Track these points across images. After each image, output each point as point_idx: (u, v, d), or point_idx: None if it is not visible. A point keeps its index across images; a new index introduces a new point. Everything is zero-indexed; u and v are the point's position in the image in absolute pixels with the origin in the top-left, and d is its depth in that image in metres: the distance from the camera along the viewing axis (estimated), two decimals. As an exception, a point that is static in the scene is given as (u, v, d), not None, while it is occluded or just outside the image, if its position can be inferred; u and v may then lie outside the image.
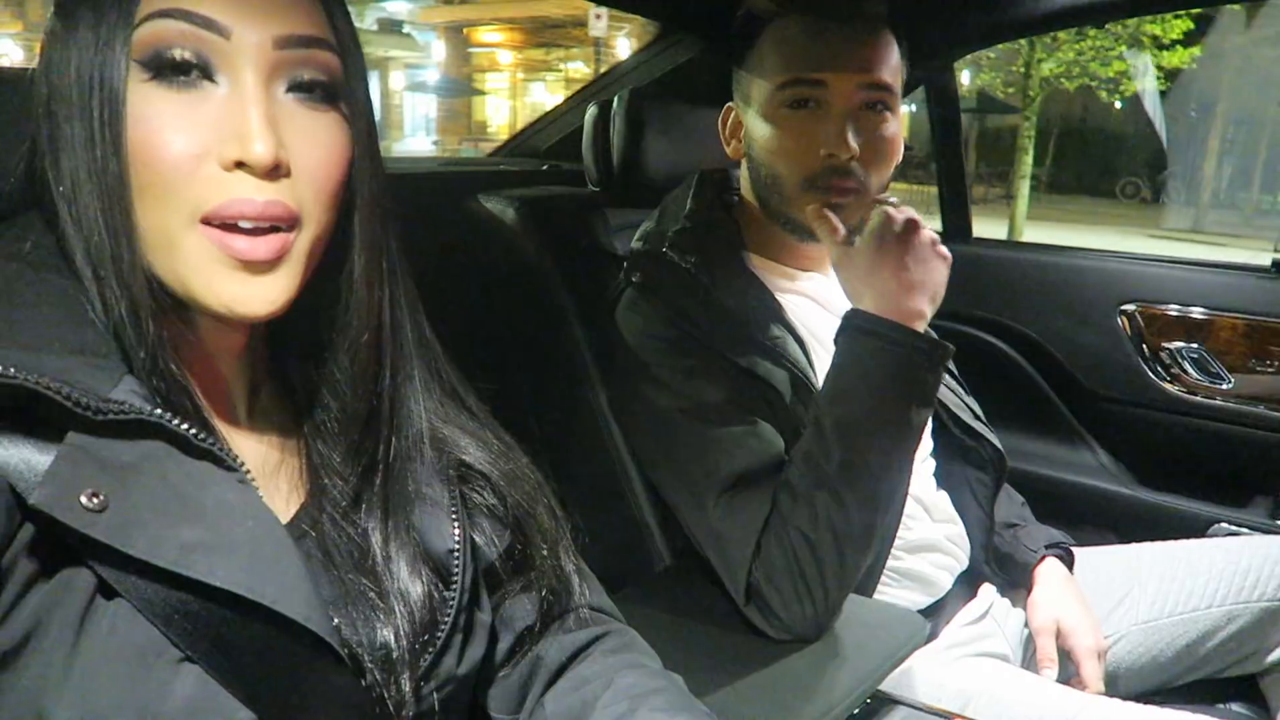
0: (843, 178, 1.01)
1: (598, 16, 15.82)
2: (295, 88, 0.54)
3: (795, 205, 1.05)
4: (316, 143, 0.55)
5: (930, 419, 1.18)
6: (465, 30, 21.52)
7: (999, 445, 1.23)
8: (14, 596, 0.46)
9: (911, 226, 0.97)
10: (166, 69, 0.51)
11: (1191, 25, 11.25)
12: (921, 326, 0.95)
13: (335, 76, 0.56)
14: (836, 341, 0.96)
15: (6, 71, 0.60)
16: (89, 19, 0.51)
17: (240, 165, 0.51)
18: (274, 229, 0.53)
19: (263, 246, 0.53)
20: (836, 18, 1.01)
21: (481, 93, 23.25)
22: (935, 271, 0.97)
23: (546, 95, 22.50)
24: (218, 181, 0.51)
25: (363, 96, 0.58)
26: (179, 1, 0.51)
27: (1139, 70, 11.54)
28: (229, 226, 0.52)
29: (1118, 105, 15.70)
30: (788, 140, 1.03)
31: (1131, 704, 1.04)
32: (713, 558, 0.98)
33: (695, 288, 1.05)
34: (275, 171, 0.52)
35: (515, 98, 23.65)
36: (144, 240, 0.52)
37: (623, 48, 19.30)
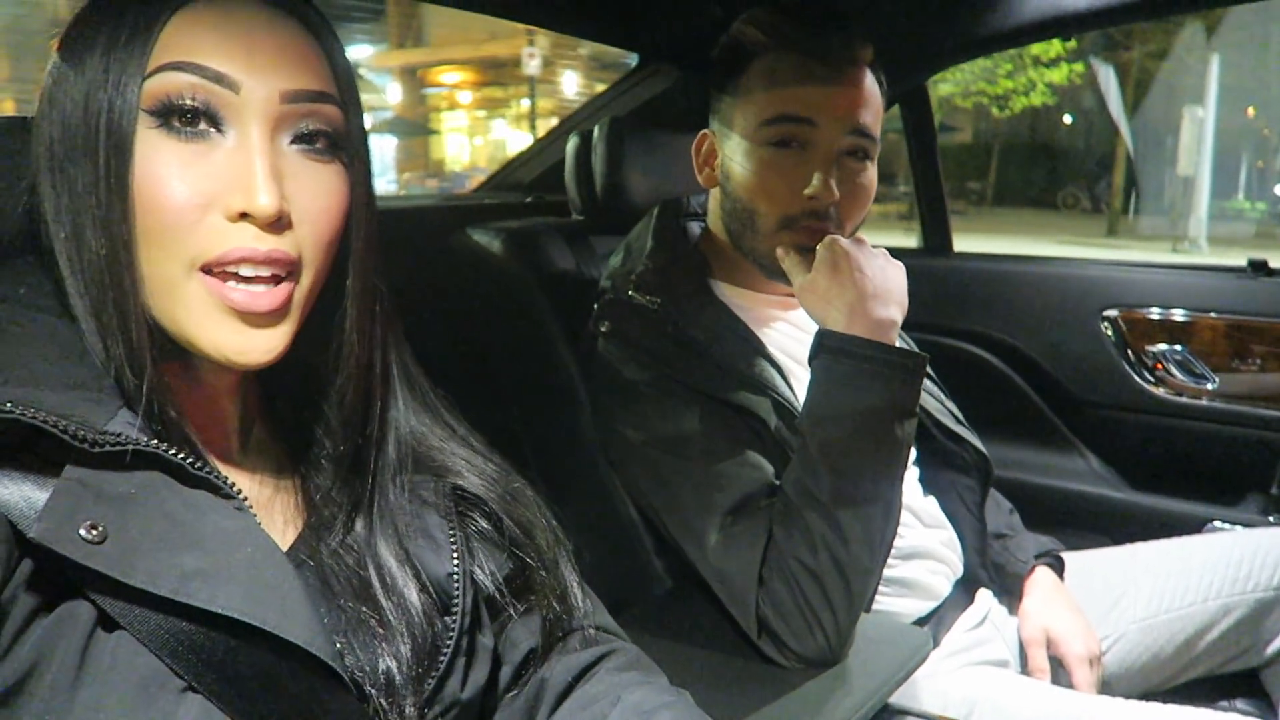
0: (820, 220, 1.01)
1: (531, 56, 16.24)
2: (299, 139, 0.56)
3: (768, 242, 1.04)
4: (317, 193, 0.56)
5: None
6: (419, 73, 21.95)
7: (982, 448, 1.24)
8: (14, 632, 0.47)
9: (858, 242, 0.98)
10: (175, 119, 0.52)
11: (1074, 44, 11.83)
12: (893, 335, 0.95)
13: (338, 128, 0.57)
14: (811, 364, 0.96)
15: (2, 120, 0.62)
16: (99, 66, 0.52)
17: (244, 216, 0.53)
18: (275, 279, 0.54)
19: (265, 300, 0.54)
20: (826, 58, 1.01)
21: (436, 132, 23.67)
22: (893, 278, 0.98)
23: (506, 132, 22.96)
24: (220, 231, 0.53)
25: (361, 147, 0.60)
26: (191, 55, 0.53)
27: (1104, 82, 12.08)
28: (228, 275, 0.53)
29: (1067, 120, 16.31)
30: (770, 178, 1.02)
31: (1134, 702, 1.05)
32: (720, 593, 0.97)
33: (664, 327, 1.04)
34: (278, 223, 0.53)
35: (472, 136, 24.12)
36: (145, 285, 0.53)
37: (569, 83, 19.63)
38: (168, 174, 0.52)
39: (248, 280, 0.53)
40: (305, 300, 0.57)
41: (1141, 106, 14.29)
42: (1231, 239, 12.05)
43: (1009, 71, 12.90)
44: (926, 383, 1.26)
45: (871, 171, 1.05)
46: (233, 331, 0.54)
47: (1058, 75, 12.89)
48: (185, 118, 0.52)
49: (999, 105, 13.72)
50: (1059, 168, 16.81)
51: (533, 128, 18.44)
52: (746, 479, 0.98)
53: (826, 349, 0.94)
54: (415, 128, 22.78)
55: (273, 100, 0.54)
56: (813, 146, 1.01)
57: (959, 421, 1.26)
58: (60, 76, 0.54)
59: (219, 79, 0.53)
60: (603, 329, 1.09)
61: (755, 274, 1.13)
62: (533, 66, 16.48)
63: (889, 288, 0.97)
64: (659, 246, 1.13)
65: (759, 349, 1.06)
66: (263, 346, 0.55)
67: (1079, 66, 13.11)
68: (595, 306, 1.13)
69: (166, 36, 0.53)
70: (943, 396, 1.28)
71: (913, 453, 1.20)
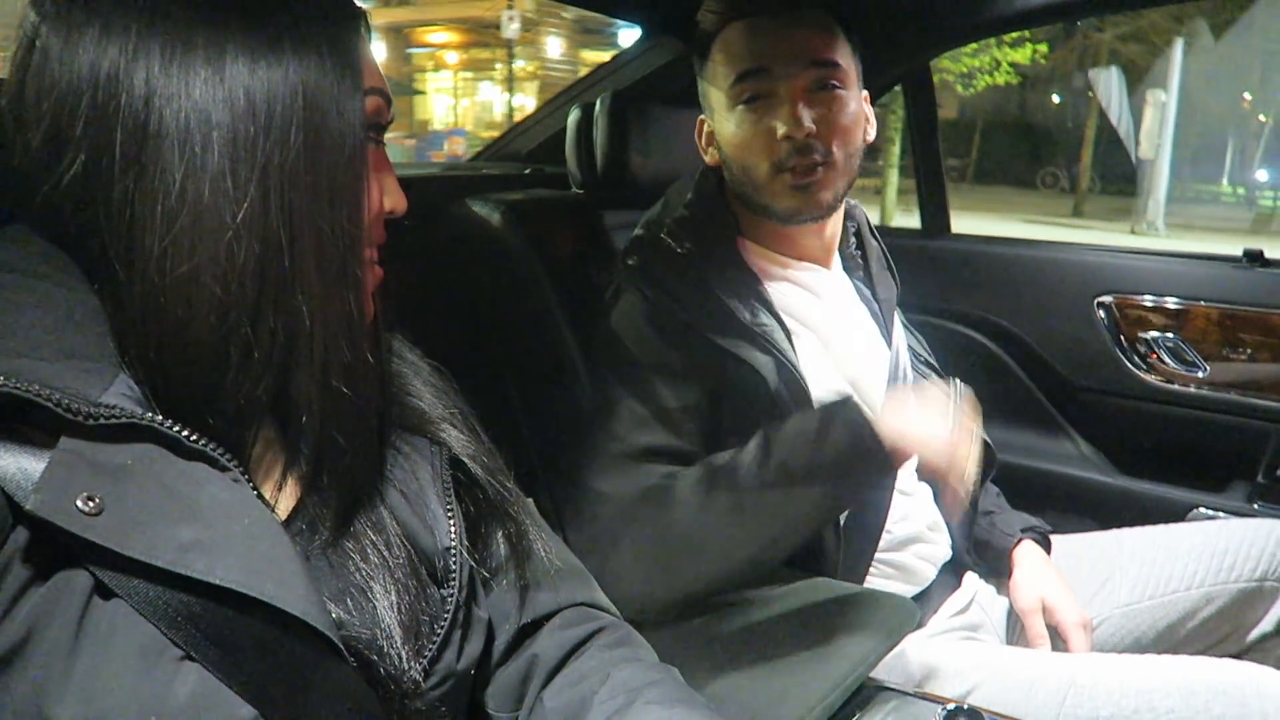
0: (804, 155, 1.06)
1: (510, 19, 16.20)
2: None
3: (769, 191, 1.10)
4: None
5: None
6: (405, 31, 21.72)
7: (986, 439, 1.24)
8: (9, 601, 0.47)
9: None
10: (377, 131, 0.62)
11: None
12: (898, 461, 0.95)
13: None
14: (826, 409, 0.98)
15: None
16: (323, 68, 0.55)
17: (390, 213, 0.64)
18: None
19: None
20: (765, 8, 1.07)
21: (421, 92, 23.50)
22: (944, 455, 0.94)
23: (493, 94, 22.81)
24: (378, 225, 0.63)
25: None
26: (379, 83, 0.61)
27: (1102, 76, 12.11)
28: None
29: (1055, 99, 16.29)
30: (749, 134, 1.09)
31: (1125, 655, 1.07)
32: (583, 512, 1.02)
33: (687, 272, 1.09)
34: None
35: (458, 97, 23.98)
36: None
37: (553, 47, 19.50)
38: (368, 179, 0.59)
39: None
40: None
41: (1074, 89, 14.34)
42: (1190, 223, 12.20)
43: (974, 50, 12.91)
44: (930, 374, 1.28)
45: (846, 98, 1.09)
46: None
47: (1021, 55, 12.95)
48: (383, 129, 0.63)
49: (963, 83, 13.74)
50: (1040, 147, 16.84)
51: (510, 91, 18.51)
52: (682, 433, 1.04)
53: (847, 406, 0.96)
54: (398, 87, 22.61)
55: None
56: (777, 92, 1.07)
57: None
58: (247, 58, 0.53)
59: (389, 101, 0.63)
60: (629, 263, 1.13)
61: (779, 236, 1.16)
62: (511, 30, 16.51)
63: (934, 452, 0.94)
64: (698, 198, 1.17)
65: (772, 310, 1.10)
66: None
67: (1043, 47, 13.22)
68: (624, 247, 1.17)
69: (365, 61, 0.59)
70: None
71: None
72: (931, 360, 1.31)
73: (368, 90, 0.58)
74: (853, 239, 1.26)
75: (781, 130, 1.05)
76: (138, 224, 0.52)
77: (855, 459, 0.95)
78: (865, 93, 1.17)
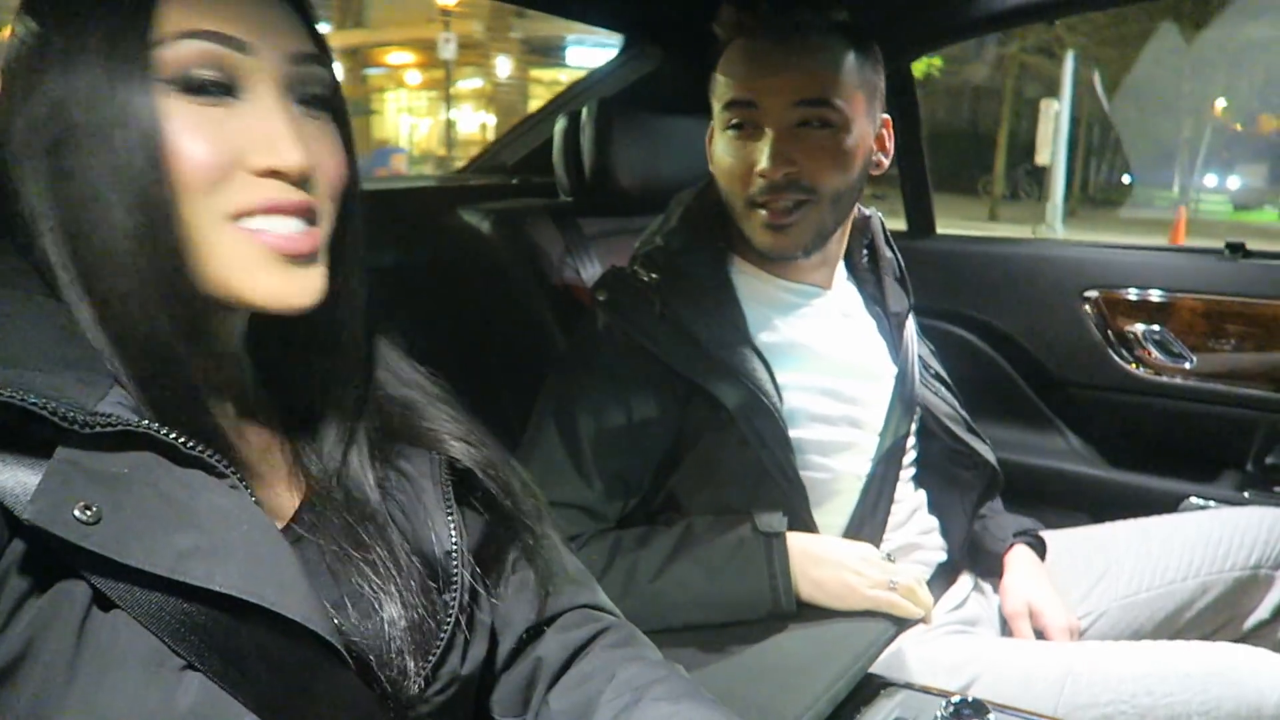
0: (778, 194, 1.04)
1: (446, 40, 16.63)
2: (302, 100, 0.57)
3: (745, 223, 1.08)
4: (327, 150, 0.58)
5: (919, 429, 1.22)
6: (363, 52, 21.95)
7: (993, 461, 1.25)
8: (7, 613, 0.46)
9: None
10: (194, 87, 0.53)
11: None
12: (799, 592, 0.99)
13: (330, 88, 0.59)
14: (755, 534, 0.99)
15: None
16: (97, 35, 0.52)
17: (274, 173, 0.54)
18: (307, 224, 0.56)
19: (305, 242, 0.56)
20: (765, 36, 1.03)
21: (375, 111, 23.75)
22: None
23: (454, 113, 23.22)
24: (250, 185, 0.54)
25: (343, 105, 0.61)
26: (205, 23, 0.53)
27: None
28: (259, 230, 0.55)
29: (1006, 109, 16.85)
30: (729, 162, 1.07)
31: (1121, 642, 1.07)
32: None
33: (653, 304, 1.05)
34: (305, 177, 0.55)
35: (418, 116, 24.28)
36: (181, 249, 0.54)
37: (502, 67, 19.90)
38: (193, 138, 0.52)
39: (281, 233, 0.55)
40: (327, 248, 0.59)
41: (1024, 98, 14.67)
42: (1093, 223, 12.61)
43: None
44: (939, 386, 1.27)
45: (838, 138, 1.04)
46: (277, 275, 0.55)
47: (916, 69, 13.36)
48: (204, 85, 0.53)
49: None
50: (981, 156, 17.08)
51: (448, 109, 19.36)
52: (605, 486, 1.02)
53: (772, 536, 0.98)
54: (354, 107, 22.68)
55: (284, 62, 0.55)
56: (761, 126, 1.04)
57: (971, 430, 1.26)
58: (36, 50, 0.53)
59: (235, 44, 0.54)
60: (600, 298, 1.10)
61: (770, 258, 1.13)
62: (448, 51, 16.95)
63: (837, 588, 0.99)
64: (682, 226, 1.13)
65: (748, 340, 1.06)
66: (309, 287, 0.57)
67: (937, 61, 13.66)
68: (599, 277, 1.14)
69: (168, 3, 0.53)
70: (957, 405, 1.28)
71: (913, 455, 1.22)
72: (941, 372, 1.30)
73: (167, 39, 0.52)
74: (864, 251, 1.24)
75: (759, 166, 1.03)
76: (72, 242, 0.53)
77: (754, 599, 0.96)
78: (886, 116, 1.13)
